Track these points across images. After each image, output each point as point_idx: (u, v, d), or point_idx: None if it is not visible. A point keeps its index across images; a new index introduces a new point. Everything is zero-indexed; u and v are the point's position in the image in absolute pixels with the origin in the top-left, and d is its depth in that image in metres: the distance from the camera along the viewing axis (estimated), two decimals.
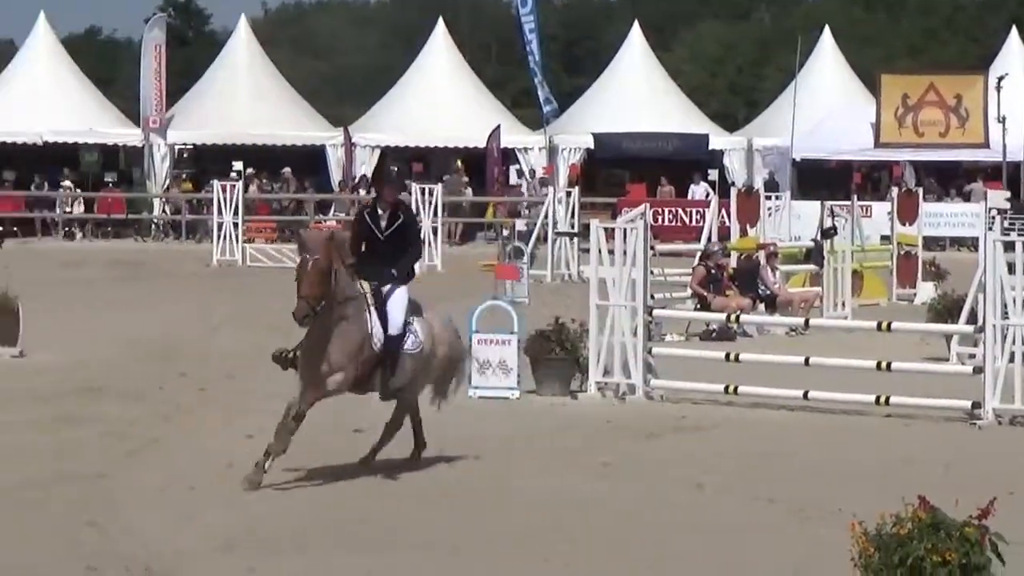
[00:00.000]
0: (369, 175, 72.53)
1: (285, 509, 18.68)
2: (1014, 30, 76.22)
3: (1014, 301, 25.41)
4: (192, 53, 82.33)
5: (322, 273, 18.64)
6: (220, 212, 61.21)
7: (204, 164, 72.09)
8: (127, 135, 74.23)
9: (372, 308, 19.53)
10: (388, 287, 19.73)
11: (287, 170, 71.62)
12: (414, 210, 19.09)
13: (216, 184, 62.77)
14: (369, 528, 17.87)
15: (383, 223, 19.61)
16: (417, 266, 21.01)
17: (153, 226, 70.42)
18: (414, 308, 20.19)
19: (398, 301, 19.70)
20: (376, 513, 18.63)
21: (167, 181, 73.01)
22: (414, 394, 20.77)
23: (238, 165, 68.64)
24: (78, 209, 71.06)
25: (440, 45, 76.83)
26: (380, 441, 20.80)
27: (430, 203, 59.54)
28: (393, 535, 17.59)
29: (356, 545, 17.03)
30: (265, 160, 72.13)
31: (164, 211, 72.09)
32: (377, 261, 19.76)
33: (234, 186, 62.35)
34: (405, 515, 18.63)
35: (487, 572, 16.20)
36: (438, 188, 61.82)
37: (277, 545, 17.13)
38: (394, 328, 19.49)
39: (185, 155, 74.17)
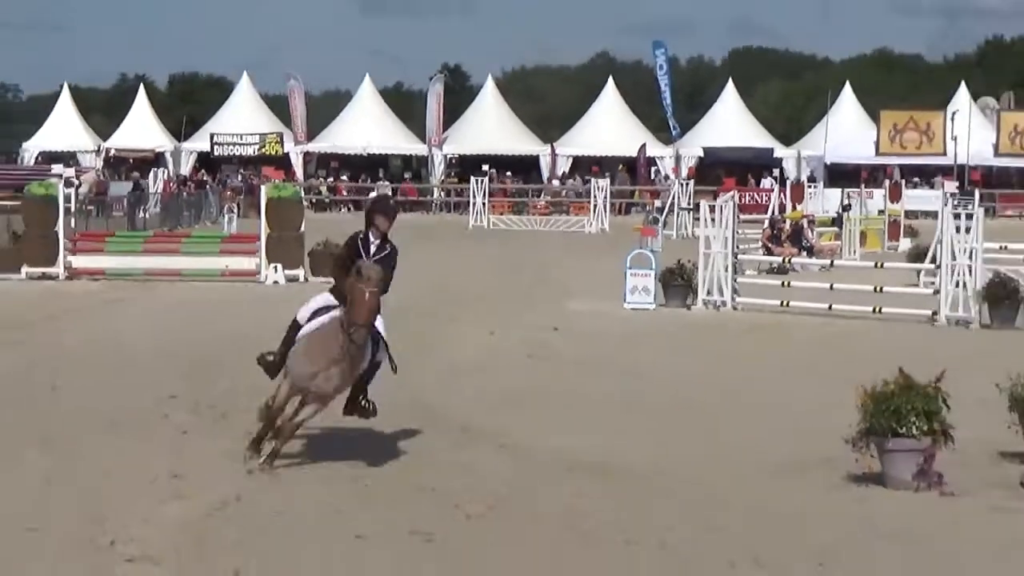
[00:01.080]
0: (567, 172, 72.91)
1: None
2: (963, 84, 75.22)
3: (958, 250, 25.26)
4: (458, 98, 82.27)
5: (379, 305, 12.74)
6: (474, 196, 61.67)
7: (465, 167, 72.45)
8: (418, 149, 74.73)
9: None
10: None
11: (492, 170, 69.61)
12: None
13: (472, 179, 63.26)
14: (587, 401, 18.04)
15: (372, 248, 13.13)
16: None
17: (434, 205, 70.77)
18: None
19: (382, 328, 13.13)
20: (581, 387, 18.76)
21: (442, 177, 73.47)
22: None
23: (485, 167, 68.97)
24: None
25: (610, 93, 76.52)
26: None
27: (602, 190, 59.70)
28: (596, 401, 17.73)
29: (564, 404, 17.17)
30: (502, 164, 72.36)
31: (440, 195, 72.50)
32: None
33: (482, 180, 62.74)
34: (598, 386, 18.75)
35: (655, 423, 16.24)
36: (607, 181, 61.97)
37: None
38: (381, 354, 13.17)
39: (453, 161, 74.53)
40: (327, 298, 13.10)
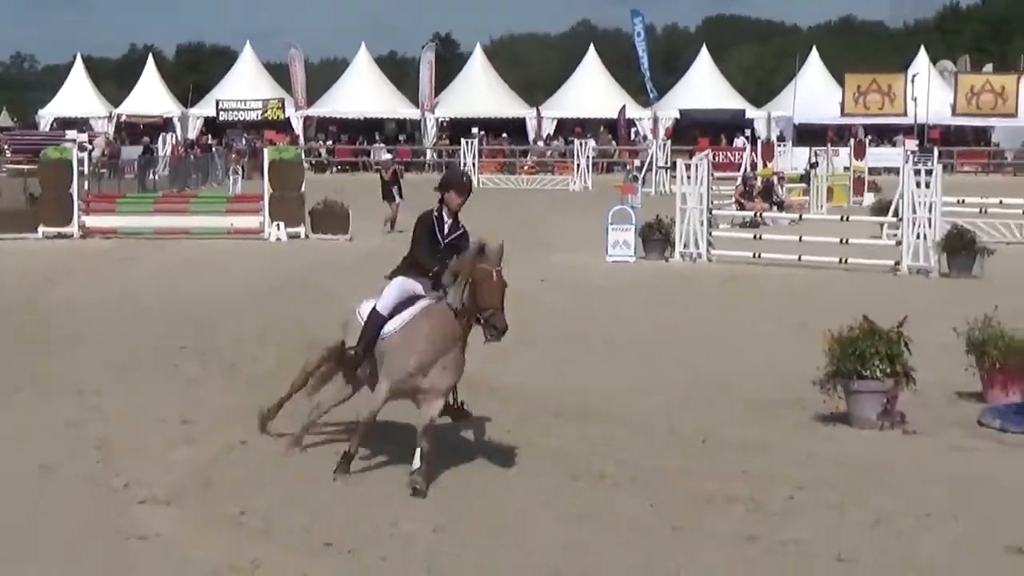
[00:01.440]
0: (551, 134, 72.60)
1: None
2: (922, 48, 75.07)
3: (919, 204, 25.27)
4: (449, 65, 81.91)
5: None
6: (464, 156, 61.47)
7: (456, 130, 72.13)
8: (411, 113, 74.35)
9: None
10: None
11: (482, 132, 69.50)
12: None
13: (463, 141, 63.03)
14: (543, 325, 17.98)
15: (446, 228, 11.00)
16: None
17: (427, 165, 70.56)
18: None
19: None
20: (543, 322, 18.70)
21: (434, 139, 73.22)
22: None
23: (475, 130, 68.63)
24: (384, 156, 71.01)
25: (592, 59, 76.22)
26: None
27: (585, 150, 59.58)
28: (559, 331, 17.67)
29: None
30: (490, 127, 72.11)
31: (433, 156, 72.24)
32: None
33: (472, 142, 62.54)
34: (582, 333, 18.69)
35: (635, 368, 16.19)
36: (591, 142, 61.81)
37: None
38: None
39: (444, 124, 74.24)
40: (407, 286, 10.91)
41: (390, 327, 10.71)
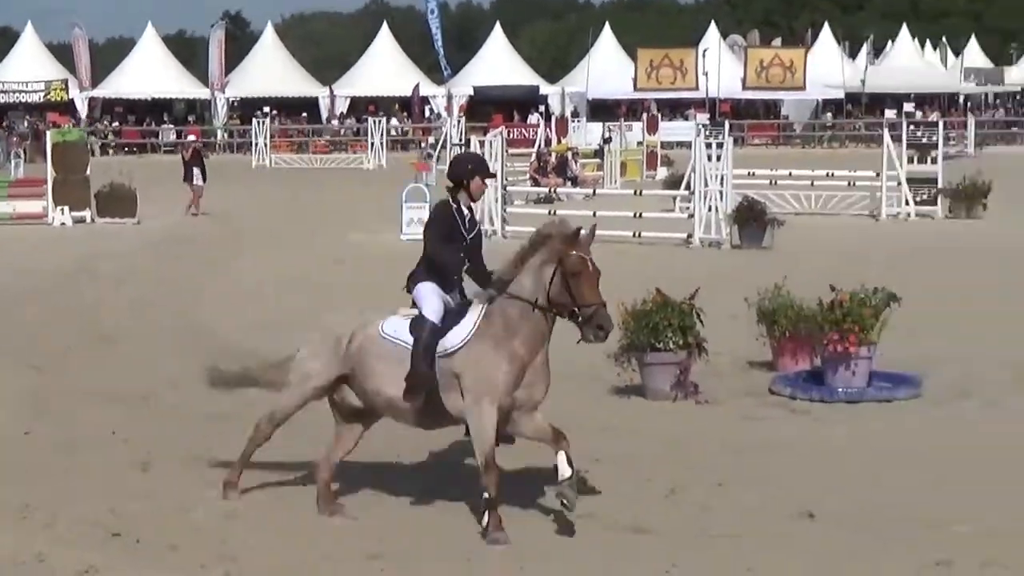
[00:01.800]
0: (344, 112, 72.06)
1: None
2: (713, 23, 76.46)
3: (710, 177, 25.72)
4: (239, 44, 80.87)
5: None
6: (256, 136, 60.82)
7: (247, 109, 71.15)
8: (201, 93, 73.19)
9: None
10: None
11: (273, 111, 68.66)
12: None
13: (254, 120, 62.32)
14: None
15: (467, 223, 9.45)
16: None
17: (218, 145, 69.50)
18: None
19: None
20: None
21: (225, 119, 72.23)
22: None
23: (266, 109, 67.82)
24: (172, 137, 69.84)
25: (385, 37, 75.90)
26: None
27: (380, 128, 59.37)
28: None
29: None
30: (282, 106, 71.40)
31: (224, 136, 71.23)
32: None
33: (263, 121, 61.90)
34: None
35: None
36: (386, 121, 61.58)
37: None
38: None
39: (235, 104, 73.22)
40: (439, 291, 9.25)
41: (453, 338, 8.95)
